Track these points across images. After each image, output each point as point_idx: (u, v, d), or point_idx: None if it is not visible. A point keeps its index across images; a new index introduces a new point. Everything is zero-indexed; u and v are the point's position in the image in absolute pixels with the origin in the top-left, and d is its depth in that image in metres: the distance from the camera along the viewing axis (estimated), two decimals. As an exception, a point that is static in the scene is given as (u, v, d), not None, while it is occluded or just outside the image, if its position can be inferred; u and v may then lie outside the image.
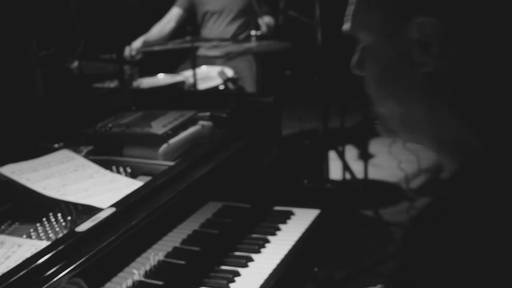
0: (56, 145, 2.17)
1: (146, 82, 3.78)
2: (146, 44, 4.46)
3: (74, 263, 1.47)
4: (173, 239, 1.96)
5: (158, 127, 2.14)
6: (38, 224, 1.76)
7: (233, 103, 2.37)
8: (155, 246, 1.87)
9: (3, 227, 1.79)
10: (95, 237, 1.57)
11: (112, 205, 1.70)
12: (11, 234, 1.74)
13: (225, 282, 1.86)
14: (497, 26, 1.04)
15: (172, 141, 2.13)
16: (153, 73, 3.99)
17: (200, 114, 2.31)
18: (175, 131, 2.16)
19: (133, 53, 4.33)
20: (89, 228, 1.57)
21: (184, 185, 1.87)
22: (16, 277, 1.37)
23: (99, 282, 1.55)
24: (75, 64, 3.40)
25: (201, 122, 2.29)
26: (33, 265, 1.41)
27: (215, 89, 3.83)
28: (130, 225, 1.63)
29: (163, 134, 2.11)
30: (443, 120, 1.10)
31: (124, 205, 1.70)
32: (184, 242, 1.98)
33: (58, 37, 2.22)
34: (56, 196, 1.83)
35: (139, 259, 1.77)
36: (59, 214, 1.80)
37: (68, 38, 2.24)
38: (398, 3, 1.08)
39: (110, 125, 2.19)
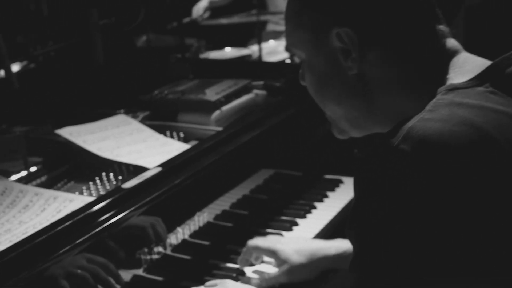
0: (117, 111, 2.26)
1: (213, 55, 3.84)
2: (212, 3, 4.52)
3: (118, 215, 1.56)
4: (223, 203, 2.03)
5: (211, 94, 2.20)
6: (91, 183, 1.86)
7: (289, 73, 2.41)
8: (205, 209, 1.95)
9: (59, 185, 1.89)
10: (139, 194, 1.65)
11: (159, 165, 1.77)
12: (66, 191, 1.84)
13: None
14: (399, 27, 1.20)
15: (225, 108, 2.19)
16: (222, 46, 4.05)
17: (255, 83, 2.36)
18: (228, 99, 2.22)
19: (200, 12, 4.39)
20: (134, 185, 1.65)
21: (230, 148, 1.92)
22: (62, 226, 1.47)
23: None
24: (144, 38, 3.51)
25: (255, 91, 2.34)
26: (78, 217, 1.50)
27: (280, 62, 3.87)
28: (173, 184, 1.70)
29: (216, 101, 2.17)
30: (382, 105, 1.24)
31: (169, 166, 1.77)
32: (233, 205, 2.05)
33: (118, 6, 2.30)
34: (110, 157, 1.92)
35: (187, 220, 1.85)
36: (111, 174, 1.88)
37: (129, 7, 2.32)
38: (317, 20, 1.23)
39: (166, 92, 2.27)
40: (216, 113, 2.16)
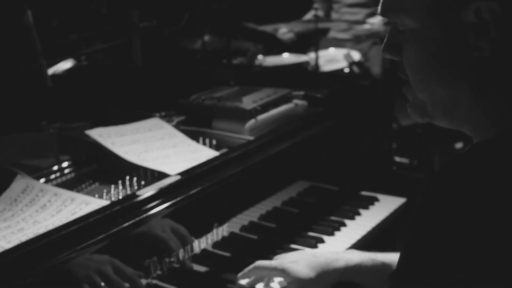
0: (154, 115, 2.24)
1: (270, 60, 3.81)
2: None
3: (127, 222, 1.53)
4: (252, 214, 1.99)
5: (248, 102, 2.15)
6: (113, 186, 1.84)
7: (331, 84, 2.35)
8: (234, 219, 1.91)
9: (83, 185, 1.88)
10: (153, 202, 1.62)
11: (179, 173, 1.74)
12: (88, 193, 1.83)
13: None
14: None
15: (261, 117, 2.14)
16: (281, 51, 4.01)
17: (295, 93, 2.31)
18: (265, 108, 2.17)
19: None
20: (149, 193, 1.62)
21: (257, 159, 1.88)
22: (67, 230, 1.45)
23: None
24: (203, 40, 3.50)
25: (296, 101, 2.28)
26: (81, 224, 1.48)
27: (338, 71, 3.80)
28: (189, 194, 1.67)
29: (252, 109, 2.12)
30: (489, 104, 1.09)
31: (189, 174, 1.74)
32: (261, 217, 2.01)
33: (161, 10, 2.28)
34: (135, 161, 1.90)
35: (211, 230, 1.81)
36: (134, 178, 1.86)
37: (172, 11, 2.29)
38: None
39: (203, 97, 2.24)
40: (251, 122, 2.11)
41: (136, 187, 1.83)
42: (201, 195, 1.71)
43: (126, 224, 1.52)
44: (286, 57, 3.92)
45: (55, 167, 1.94)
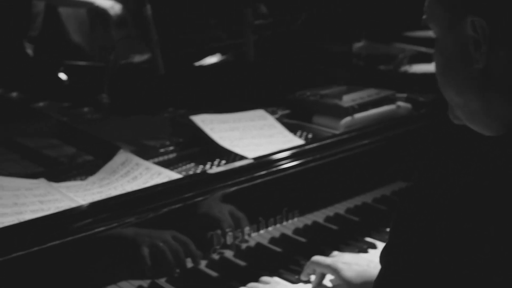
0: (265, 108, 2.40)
1: (418, 68, 3.81)
2: None
3: (193, 199, 1.70)
4: (341, 207, 2.08)
5: (347, 100, 2.25)
6: (201, 166, 2.01)
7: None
8: (323, 210, 2.01)
9: (180, 164, 2.07)
10: (222, 181, 1.77)
11: (254, 158, 1.89)
12: (181, 171, 2.01)
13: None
14: None
15: (358, 115, 2.23)
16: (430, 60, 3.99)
17: (399, 95, 2.36)
18: (364, 107, 2.25)
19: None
20: (218, 172, 1.78)
21: (336, 156, 1.97)
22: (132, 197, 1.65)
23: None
24: (359, 44, 3.59)
25: (399, 103, 2.34)
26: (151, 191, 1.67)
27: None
28: (254, 176, 1.80)
29: (349, 107, 2.22)
30: (499, 110, 1.17)
31: (262, 160, 1.87)
32: (348, 210, 2.09)
33: (276, 9, 2.44)
34: (227, 146, 2.07)
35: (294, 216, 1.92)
36: (223, 161, 2.02)
37: (288, 11, 2.44)
38: (456, 1, 1.17)
39: (308, 93, 2.37)
40: (347, 119, 2.21)
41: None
42: (271, 179, 1.83)
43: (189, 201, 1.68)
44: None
45: (164, 149, 2.16)
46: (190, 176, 1.80)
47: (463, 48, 1.16)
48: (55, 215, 1.56)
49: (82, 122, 2.39)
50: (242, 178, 1.78)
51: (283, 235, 1.89)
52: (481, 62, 1.14)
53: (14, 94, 2.72)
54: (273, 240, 1.87)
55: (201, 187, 1.72)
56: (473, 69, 1.16)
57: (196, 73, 2.48)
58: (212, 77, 2.49)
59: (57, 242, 1.44)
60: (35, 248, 1.43)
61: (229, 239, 1.76)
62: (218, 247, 1.76)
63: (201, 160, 2.07)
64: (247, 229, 1.80)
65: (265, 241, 1.86)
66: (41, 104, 2.61)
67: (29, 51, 3.53)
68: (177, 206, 1.67)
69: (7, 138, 2.27)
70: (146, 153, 2.08)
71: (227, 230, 1.76)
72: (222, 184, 1.75)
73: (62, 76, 2.74)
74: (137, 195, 1.66)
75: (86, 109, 2.51)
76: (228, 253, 1.78)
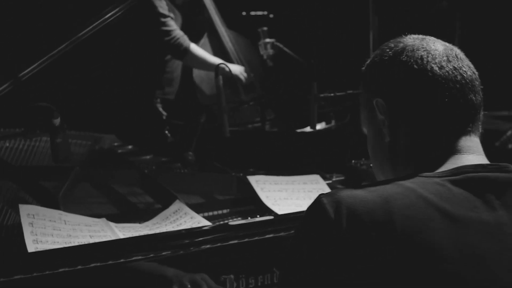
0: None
1: None
2: None
3: (210, 244, 1.98)
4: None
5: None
6: (240, 218, 2.27)
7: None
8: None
9: (229, 217, 2.35)
10: (240, 232, 2.02)
11: (276, 215, 2.13)
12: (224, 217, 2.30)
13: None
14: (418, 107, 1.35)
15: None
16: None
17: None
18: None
19: None
20: (236, 224, 2.05)
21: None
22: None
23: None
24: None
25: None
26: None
27: None
28: (268, 236, 2.03)
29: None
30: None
31: (281, 218, 2.11)
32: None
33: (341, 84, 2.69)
34: (268, 204, 2.32)
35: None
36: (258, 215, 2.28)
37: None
38: (367, 87, 1.46)
39: (362, 162, 2.57)
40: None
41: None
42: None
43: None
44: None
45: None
46: (214, 226, 2.08)
47: (378, 130, 1.42)
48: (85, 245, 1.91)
49: (167, 175, 2.74)
50: (260, 230, 2.03)
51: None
52: (387, 136, 1.39)
53: (129, 147, 3.15)
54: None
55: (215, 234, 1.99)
56: (385, 143, 1.40)
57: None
58: (286, 143, 2.77)
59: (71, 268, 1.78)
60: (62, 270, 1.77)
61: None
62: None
63: (248, 215, 2.33)
64: (260, 277, 2.04)
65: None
66: (147, 157, 3.01)
67: (161, 111, 4.01)
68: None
69: (103, 183, 2.66)
70: (211, 206, 2.39)
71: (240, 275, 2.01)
72: (239, 233, 2.00)
73: (167, 133, 3.14)
74: (157, 236, 1.96)
75: (178, 165, 2.87)
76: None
